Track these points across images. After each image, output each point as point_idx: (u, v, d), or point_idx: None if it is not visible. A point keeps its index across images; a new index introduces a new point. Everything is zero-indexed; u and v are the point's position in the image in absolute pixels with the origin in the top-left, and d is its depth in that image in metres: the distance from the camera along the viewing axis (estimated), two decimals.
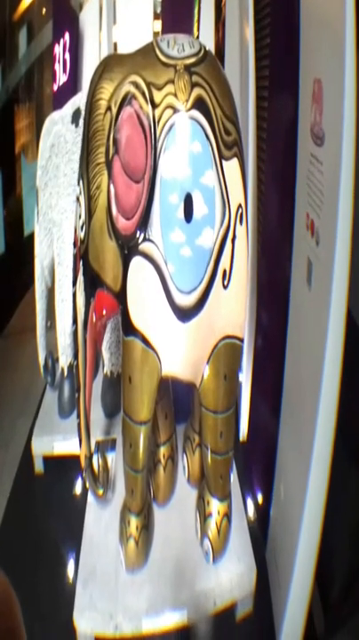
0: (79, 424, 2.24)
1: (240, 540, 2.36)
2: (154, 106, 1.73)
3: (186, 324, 1.89)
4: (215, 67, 1.82)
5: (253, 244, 2.83)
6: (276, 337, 2.36)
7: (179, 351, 1.95)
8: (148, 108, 1.74)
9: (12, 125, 4.72)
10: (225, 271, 1.87)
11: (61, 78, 3.30)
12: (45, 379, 3.34)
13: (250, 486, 2.84)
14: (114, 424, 3.06)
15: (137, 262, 1.84)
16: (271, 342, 2.55)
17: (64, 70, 3.28)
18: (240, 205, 1.86)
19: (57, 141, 2.83)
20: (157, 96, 1.73)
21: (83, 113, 2.44)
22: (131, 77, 1.77)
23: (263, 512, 2.61)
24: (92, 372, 2.21)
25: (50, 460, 3.08)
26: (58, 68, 3.36)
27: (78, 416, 2.24)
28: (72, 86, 3.24)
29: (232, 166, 1.82)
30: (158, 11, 3.46)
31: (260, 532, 2.57)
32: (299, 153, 2.05)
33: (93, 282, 2.01)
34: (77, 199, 2.02)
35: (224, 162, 1.80)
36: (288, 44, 2.11)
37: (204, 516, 2.30)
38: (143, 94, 1.74)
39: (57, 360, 3.22)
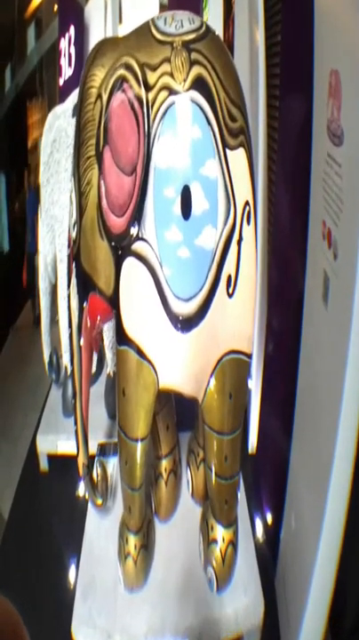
0: (76, 431, 1.98)
1: (247, 569, 2.04)
2: (147, 88, 1.46)
3: (185, 334, 1.61)
4: (218, 45, 1.53)
5: (263, 249, 2.51)
6: (288, 351, 2.08)
7: (179, 364, 1.67)
8: (141, 91, 1.46)
9: (24, 121, 4.53)
10: (230, 277, 1.58)
11: (67, 72, 3.03)
12: (50, 376, 3.09)
13: (259, 504, 2.55)
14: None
15: (129, 264, 1.58)
16: (282, 356, 2.28)
17: (69, 64, 3.01)
18: (247, 203, 1.56)
19: (58, 136, 2.58)
20: (151, 77, 1.46)
21: None
22: (122, 59, 1.49)
23: (273, 531, 2.32)
24: (89, 377, 1.95)
25: (54, 459, 2.85)
26: (63, 62, 3.09)
27: (75, 422, 1.97)
28: (77, 80, 2.93)
29: (238, 157, 1.53)
30: (165, 2, 3.19)
31: (270, 554, 2.27)
32: (313, 153, 1.78)
33: (86, 284, 1.74)
34: (70, 196, 1.75)
35: (228, 151, 1.50)
36: (301, 38, 1.83)
37: (208, 542, 1.98)
38: (135, 76, 1.47)
39: (61, 357, 2.98)
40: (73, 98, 2.54)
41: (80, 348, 1.86)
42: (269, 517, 2.48)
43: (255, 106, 2.51)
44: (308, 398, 1.91)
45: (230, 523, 1.97)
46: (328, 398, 1.59)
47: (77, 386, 1.92)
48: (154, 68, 1.46)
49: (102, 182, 1.58)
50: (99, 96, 1.55)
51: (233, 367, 1.70)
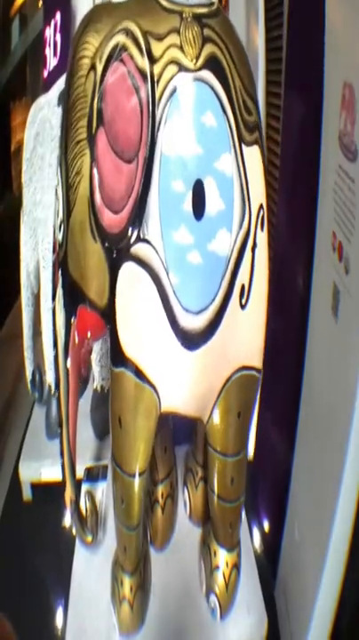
0: (63, 464, 1.70)
1: (249, 586, 1.86)
2: (152, 60, 1.20)
3: (193, 352, 1.37)
4: (231, 27, 1.33)
5: None
6: (288, 355, 1.97)
7: (184, 385, 1.44)
8: (144, 63, 1.20)
9: (7, 122, 4.27)
10: (243, 287, 1.38)
11: (52, 62, 2.71)
12: (33, 394, 2.75)
13: (256, 511, 2.36)
14: (106, 446, 2.50)
15: (128, 270, 1.31)
16: (282, 361, 2.10)
17: (55, 54, 2.69)
18: (261, 206, 1.38)
19: (42, 128, 2.27)
20: (157, 48, 1.20)
21: None
22: (122, 24, 1.22)
23: (272, 540, 2.19)
24: (77, 403, 1.66)
25: (38, 487, 2.55)
26: (48, 51, 2.75)
27: (62, 454, 1.69)
28: (63, 69, 2.62)
29: (253, 155, 1.33)
30: None
31: (268, 564, 2.12)
32: (322, 160, 1.63)
33: (74, 295, 1.45)
34: (56, 192, 1.46)
35: (244, 147, 1.30)
36: (308, 36, 1.68)
37: (211, 569, 1.79)
38: (137, 45, 1.21)
39: (45, 373, 2.65)
40: (59, 86, 2.27)
41: (67, 370, 1.57)
42: (267, 526, 2.32)
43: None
44: (314, 408, 1.80)
45: (234, 545, 1.79)
46: (337, 410, 1.50)
47: (64, 414, 1.63)
48: (160, 38, 1.21)
49: (95, 171, 1.30)
50: (93, 67, 1.27)
51: (243, 384, 1.51)
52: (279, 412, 2.16)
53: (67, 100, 1.34)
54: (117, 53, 1.23)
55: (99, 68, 1.25)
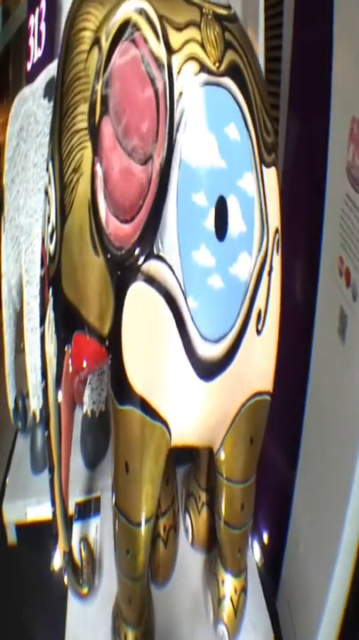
0: (54, 513, 1.54)
1: (254, 605, 1.81)
2: (169, 50, 1.04)
3: (209, 382, 1.27)
4: (249, 39, 1.23)
5: None
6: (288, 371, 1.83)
7: (197, 417, 1.33)
8: (161, 50, 1.04)
9: None
10: (260, 312, 1.31)
11: (36, 54, 2.51)
12: (16, 423, 2.54)
13: (256, 524, 2.22)
14: (97, 476, 2.33)
15: (138, 291, 1.15)
16: (286, 377, 2.01)
17: (39, 44, 2.50)
18: (277, 230, 1.31)
19: (26, 123, 2.08)
20: (175, 37, 1.06)
21: None
22: (131, 1, 1.06)
23: (273, 550, 2.14)
24: (70, 443, 1.49)
25: (23, 528, 2.33)
26: (32, 42, 2.57)
27: (53, 503, 1.54)
28: (48, 61, 2.42)
29: (271, 177, 1.26)
30: None
31: (269, 574, 2.06)
32: (328, 188, 1.60)
33: (69, 320, 1.26)
34: (46, 192, 1.27)
35: (264, 168, 1.22)
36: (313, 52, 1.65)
37: (219, 598, 1.73)
38: (153, 27, 1.04)
39: (28, 396, 2.45)
40: (45, 74, 2.07)
41: (58, 405, 1.40)
42: (267, 538, 2.27)
43: None
44: (318, 427, 1.79)
45: (242, 570, 1.74)
46: (343, 430, 1.50)
47: (56, 456, 1.46)
48: (178, 28, 1.07)
49: (99, 168, 1.12)
50: (97, 42, 1.09)
51: (256, 410, 1.44)
52: (281, 428, 2.08)
53: (60, 81, 1.15)
54: (129, 32, 1.05)
55: (105, 45, 1.07)
